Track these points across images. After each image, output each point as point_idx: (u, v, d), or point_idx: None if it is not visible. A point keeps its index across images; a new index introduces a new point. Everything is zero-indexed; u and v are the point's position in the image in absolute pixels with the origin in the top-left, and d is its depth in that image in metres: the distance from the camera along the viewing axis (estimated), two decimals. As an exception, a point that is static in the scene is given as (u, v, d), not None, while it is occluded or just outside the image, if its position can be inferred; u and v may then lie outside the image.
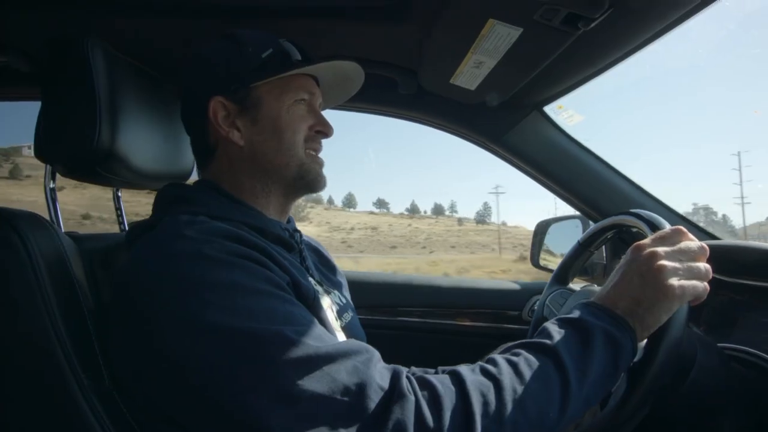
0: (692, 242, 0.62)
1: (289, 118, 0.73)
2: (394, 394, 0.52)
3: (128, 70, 0.83)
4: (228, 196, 0.72)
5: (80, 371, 0.60)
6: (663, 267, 0.59)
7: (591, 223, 1.23)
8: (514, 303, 1.42)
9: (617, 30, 0.82)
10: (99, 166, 0.77)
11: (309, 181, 0.76)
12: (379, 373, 0.54)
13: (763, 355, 0.76)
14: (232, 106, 0.72)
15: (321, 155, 0.78)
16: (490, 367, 0.56)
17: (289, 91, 0.74)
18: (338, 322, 0.75)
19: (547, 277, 1.09)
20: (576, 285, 1.06)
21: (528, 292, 1.42)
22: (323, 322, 0.65)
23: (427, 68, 1.06)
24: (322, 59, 0.74)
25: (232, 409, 0.51)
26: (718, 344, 0.78)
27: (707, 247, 0.62)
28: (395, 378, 0.53)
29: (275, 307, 0.56)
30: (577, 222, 1.35)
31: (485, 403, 0.52)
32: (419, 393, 0.53)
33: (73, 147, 0.74)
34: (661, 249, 0.61)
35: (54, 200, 0.85)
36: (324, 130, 0.77)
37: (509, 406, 0.53)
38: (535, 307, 1.06)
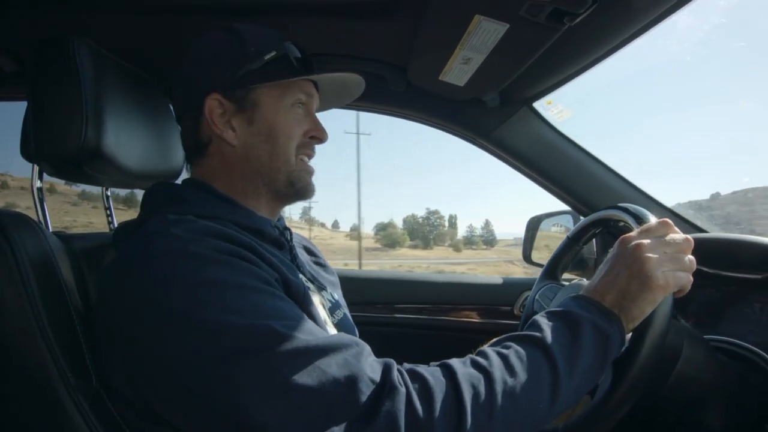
0: (677, 234, 0.63)
1: (285, 121, 0.73)
2: (385, 386, 0.52)
3: (115, 69, 0.82)
4: (217, 195, 0.72)
5: (67, 371, 0.60)
6: (648, 259, 0.60)
7: (582, 217, 1.24)
8: (505, 298, 1.43)
9: (603, 25, 0.83)
10: (86, 164, 0.76)
11: (299, 189, 0.75)
12: (370, 366, 0.54)
13: (749, 346, 0.77)
14: (229, 105, 0.71)
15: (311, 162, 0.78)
16: (480, 359, 0.57)
17: (289, 94, 0.73)
18: (330, 319, 0.75)
19: (538, 273, 1.10)
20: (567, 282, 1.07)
21: (519, 287, 1.43)
22: (314, 319, 0.64)
23: (415, 65, 1.05)
24: (324, 69, 0.74)
25: (222, 404, 0.51)
26: (705, 336, 0.79)
27: (692, 240, 0.63)
28: (386, 371, 0.53)
29: (263, 302, 0.56)
30: (568, 217, 1.36)
31: (476, 395, 0.53)
32: (410, 385, 0.53)
33: (60, 146, 0.74)
34: (646, 241, 0.62)
35: (41, 200, 0.84)
36: (319, 135, 0.76)
37: (500, 397, 0.53)
38: (527, 303, 1.07)
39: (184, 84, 0.75)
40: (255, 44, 0.71)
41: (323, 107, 0.86)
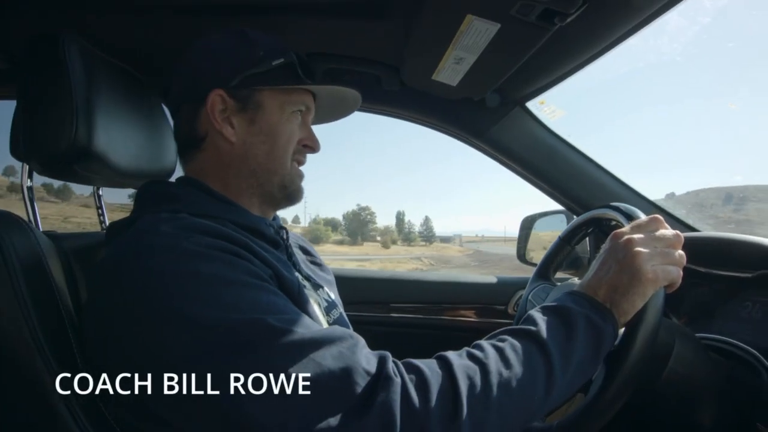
0: (667, 230, 0.65)
1: (286, 126, 0.74)
2: (380, 377, 0.52)
3: (106, 67, 0.82)
4: (211, 193, 0.72)
5: (58, 372, 0.59)
6: (638, 253, 0.61)
7: (575, 217, 1.24)
8: (500, 298, 1.43)
9: (593, 25, 0.83)
10: (76, 164, 0.76)
11: (290, 192, 0.77)
12: (365, 357, 0.54)
13: (741, 344, 0.78)
14: (231, 103, 0.72)
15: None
16: (476, 351, 0.57)
17: (291, 101, 0.75)
18: (326, 319, 0.75)
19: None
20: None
21: (513, 286, 1.43)
22: (310, 317, 0.64)
23: (408, 64, 1.06)
24: (326, 81, 0.76)
25: (217, 400, 0.50)
26: (697, 334, 0.79)
27: (682, 235, 0.64)
28: (381, 362, 0.54)
29: (257, 297, 0.56)
30: (562, 216, 1.36)
31: (471, 386, 0.53)
32: (406, 376, 0.53)
33: (50, 144, 0.73)
34: (636, 236, 0.63)
35: (31, 199, 0.84)
36: (312, 145, 0.78)
37: (495, 389, 0.53)
38: (520, 302, 1.07)
39: (189, 75, 0.75)
40: (264, 49, 0.73)
41: (316, 121, 0.87)
